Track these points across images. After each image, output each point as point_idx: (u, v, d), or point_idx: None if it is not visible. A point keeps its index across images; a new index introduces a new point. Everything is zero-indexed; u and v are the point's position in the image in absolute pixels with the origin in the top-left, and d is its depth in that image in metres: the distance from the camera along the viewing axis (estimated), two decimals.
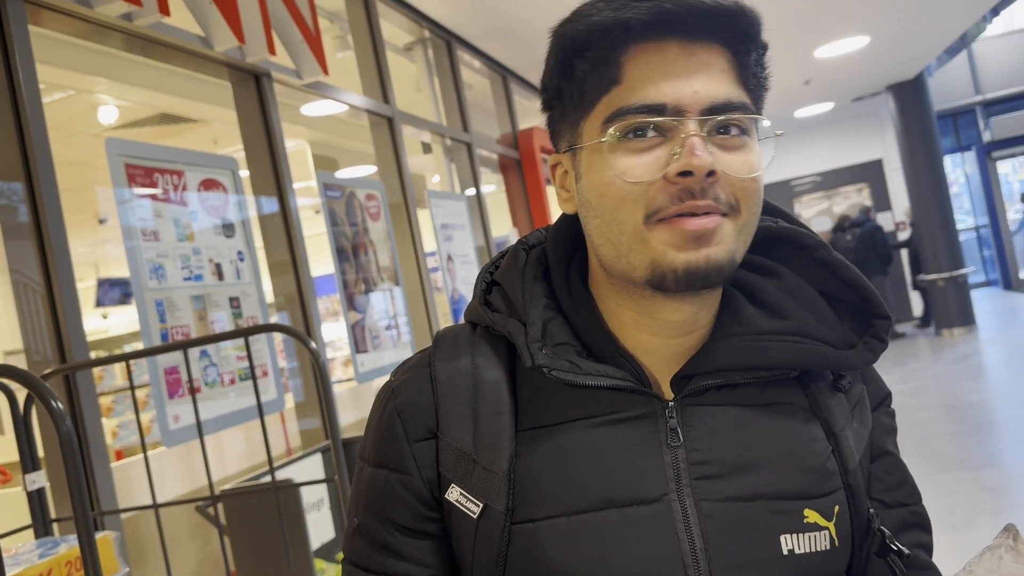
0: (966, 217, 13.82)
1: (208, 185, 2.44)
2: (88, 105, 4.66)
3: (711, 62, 0.70)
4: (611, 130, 0.70)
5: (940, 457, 5.19)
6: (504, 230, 5.66)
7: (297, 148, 5.48)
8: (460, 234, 4.23)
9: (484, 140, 5.21)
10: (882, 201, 11.90)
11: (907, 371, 8.23)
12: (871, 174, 12.16)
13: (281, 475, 2.21)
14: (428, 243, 4.09)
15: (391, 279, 3.48)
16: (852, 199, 12.24)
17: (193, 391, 1.79)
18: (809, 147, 12.17)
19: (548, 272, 0.81)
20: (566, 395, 0.74)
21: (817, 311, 0.78)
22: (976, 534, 3.91)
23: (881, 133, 11.72)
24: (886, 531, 0.77)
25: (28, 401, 1.69)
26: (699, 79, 0.69)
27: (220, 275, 2.40)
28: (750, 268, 0.80)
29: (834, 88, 9.40)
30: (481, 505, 0.73)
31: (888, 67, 8.81)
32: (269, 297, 2.82)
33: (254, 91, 2.98)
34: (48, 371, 1.86)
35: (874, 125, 11.78)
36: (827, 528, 0.74)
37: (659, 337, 0.76)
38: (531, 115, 6.55)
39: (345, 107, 3.68)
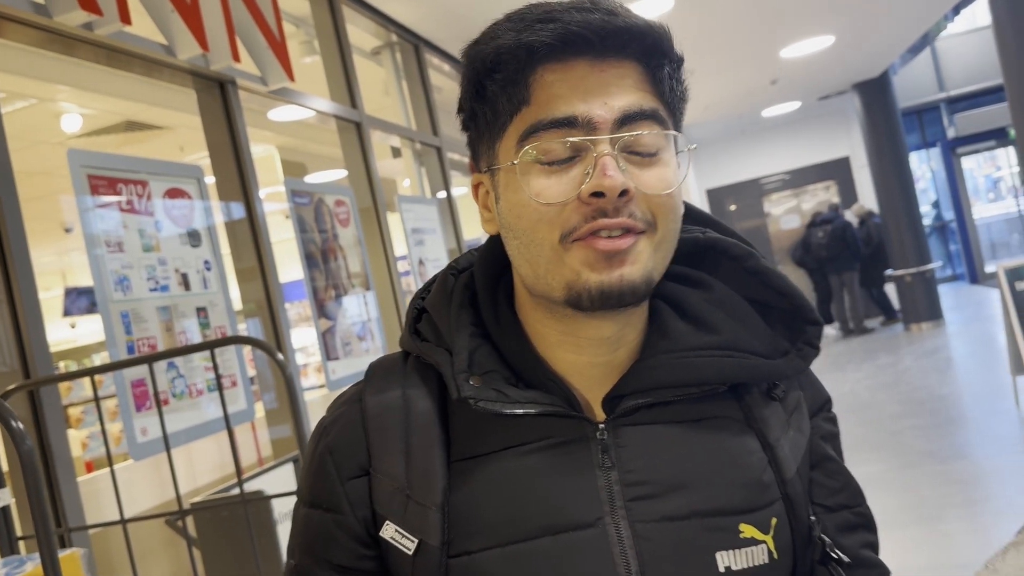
0: (932, 212, 14.03)
1: (173, 194, 2.42)
2: (51, 114, 4.60)
3: (623, 75, 0.70)
4: (525, 150, 0.70)
5: (909, 451, 5.26)
6: (476, 233, 5.65)
7: (265, 154, 5.44)
8: (431, 238, 4.23)
9: (454, 143, 5.21)
10: (849, 198, 12.04)
11: (876, 366, 8.34)
12: (838, 171, 12.31)
13: (252, 486, 2.20)
14: (399, 248, 4.08)
15: (362, 285, 3.47)
16: (820, 196, 12.38)
17: (159, 404, 1.77)
18: (777, 146, 12.30)
19: (476, 297, 0.80)
20: (497, 423, 0.73)
21: (747, 322, 0.77)
22: (945, 527, 3.97)
23: (848, 131, 11.86)
24: (826, 539, 0.77)
25: None
26: (609, 92, 0.69)
27: (187, 285, 2.38)
28: (679, 280, 0.79)
29: (800, 87, 9.50)
30: (416, 541, 0.71)
31: (853, 66, 8.92)
32: (237, 305, 2.80)
33: (219, 98, 2.96)
34: (10, 387, 1.84)
35: (841, 123, 11.92)
36: (764, 542, 0.73)
37: (586, 356, 0.75)
38: None
39: (313, 112, 3.66)
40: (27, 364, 2.01)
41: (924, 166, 14.33)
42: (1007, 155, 13.63)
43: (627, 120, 0.69)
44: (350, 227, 3.44)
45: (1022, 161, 4.82)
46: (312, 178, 6.09)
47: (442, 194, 4.90)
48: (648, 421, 0.74)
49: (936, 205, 13.86)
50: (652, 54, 0.71)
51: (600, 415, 0.75)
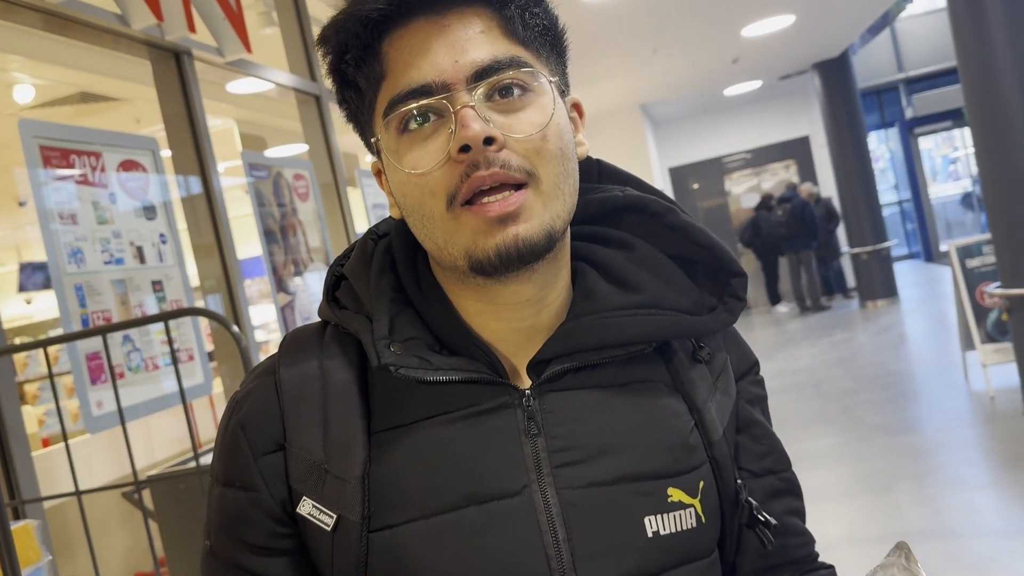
0: (891, 192, 14.26)
1: (127, 166, 2.39)
2: (3, 84, 4.49)
3: (468, 26, 0.68)
4: (388, 124, 0.68)
5: (862, 424, 5.39)
6: None
7: (224, 127, 5.37)
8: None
9: None
10: (809, 177, 12.20)
11: (832, 342, 8.50)
12: (798, 151, 12.45)
13: (209, 460, 2.20)
14: (360, 223, 4.07)
15: (322, 260, 3.46)
16: (780, 175, 12.52)
17: (114, 377, 1.76)
18: (739, 125, 12.40)
19: (396, 263, 0.77)
20: (420, 392, 0.71)
21: (671, 279, 0.76)
22: (894, 498, 4.09)
23: (808, 110, 12.00)
24: (753, 502, 0.76)
25: None
26: (457, 47, 0.67)
27: (142, 258, 2.36)
28: (601, 241, 0.77)
29: (761, 67, 9.57)
30: (335, 516, 0.69)
31: (813, 45, 9.01)
32: (195, 280, 2.78)
33: (174, 70, 2.92)
34: None
35: (801, 103, 12.05)
36: (692, 505, 0.72)
37: (507, 322, 0.73)
38: None
39: (271, 85, 3.62)
40: None
41: (883, 146, 14.54)
42: (963, 135, 13.88)
43: (481, 75, 0.67)
44: (309, 201, 3.42)
45: (976, 142, 4.92)
46: (272, 152, 6.02)
47: None
48: (575, 386, 0.72)
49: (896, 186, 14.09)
50: None
51: (527, 381, 0.73)
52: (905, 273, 12.33)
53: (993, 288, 4.91)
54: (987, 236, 5.19)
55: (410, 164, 0.67)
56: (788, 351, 8.53)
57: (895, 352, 7.51)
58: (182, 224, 2.74)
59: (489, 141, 0.65)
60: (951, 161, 14.74)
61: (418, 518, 0.68)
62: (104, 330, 1.70)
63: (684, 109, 11.82)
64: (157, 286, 2.40)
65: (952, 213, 13.85)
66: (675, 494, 0.72)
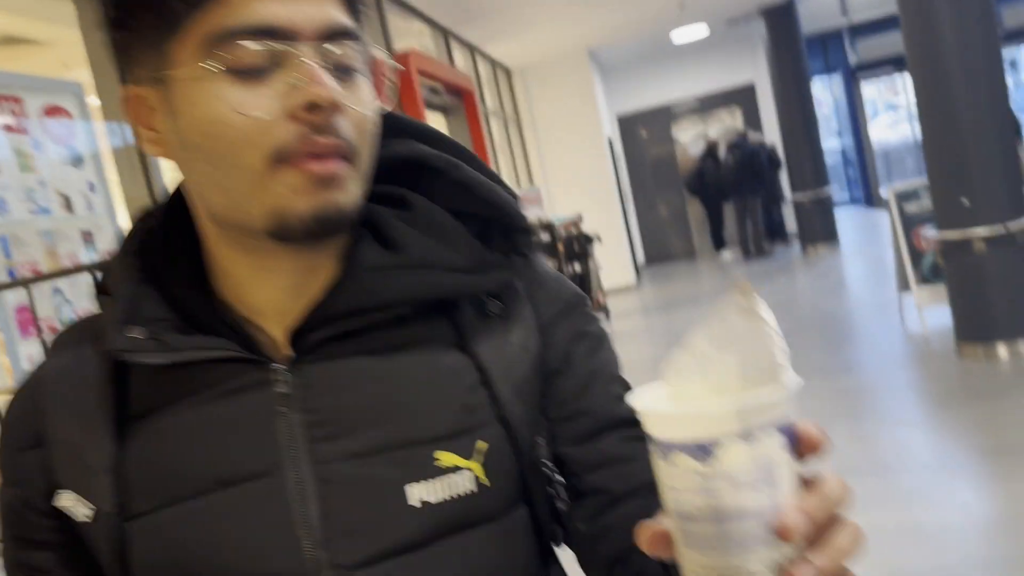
0: (834, 138, 14.45)
1: (52, 112, 2.30)
2: None
3: None
4: (216, 56, 0.61)
5: (800, 366, 5.43)
6: None
7: None
8: None
9: None
10: (753, 124, 12.30)
11: (773, 287, 8.67)
12: (743, 97, 12.52)
13: None
14: None
15: None
16: (726, 122, 12.60)
17: (39, 330, 1.72)
18: (686, 71, 12.41)
19: (153, 239, 0.72)
20: (172, 376, 0.67)
21: (448, 237, 0.71)
22: (832, 435, 4.21)
23: (753, 57, 12.04)
24: (543, 460, 0.73)
25: None
26: (309, 1, 0.63)
27: (70, 208, 2.29)
28: (380, 200, 0.73)
29: (708, 11, 9.55)
30: (94, 508, 0.67)
31: None
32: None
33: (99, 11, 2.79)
34: None
35: (747, 49, 12.08)
36: (468, 468, 0.68)
37: (281, 291, 0.69)
38: (407, 37, 6.40)
39: None
40: None
41: (826, 92, 14.69)
42: (905, 82, 14.08)
43: (331, 35, 0.63)
44: None
45: (916, 88, 4.99)
46: None
47: None
48: (339, 355, 0.68)
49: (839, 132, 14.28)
50: None
51: (290, 354, 0.69)
52: (846, 218, 12.58)
53: (929, 231, 5.04)
54: (924, 181, 5.30)
55: (238, 102, 0.61)
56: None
57: (834, 295, 7.69)
58: (113, 174, 2.65)
59: (337, 107, 0.62)
60: (894, 107, 14.97)
61: (168, 504, 0.66)
62: (29, 281, 1.65)
63: (632, 55, 11.77)
64: (87, 236, 2.33)
65: (894, 159, 14.11)
66: (445, 458, 0.67)
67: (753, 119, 12.41)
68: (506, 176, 8.83)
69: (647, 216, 12.82)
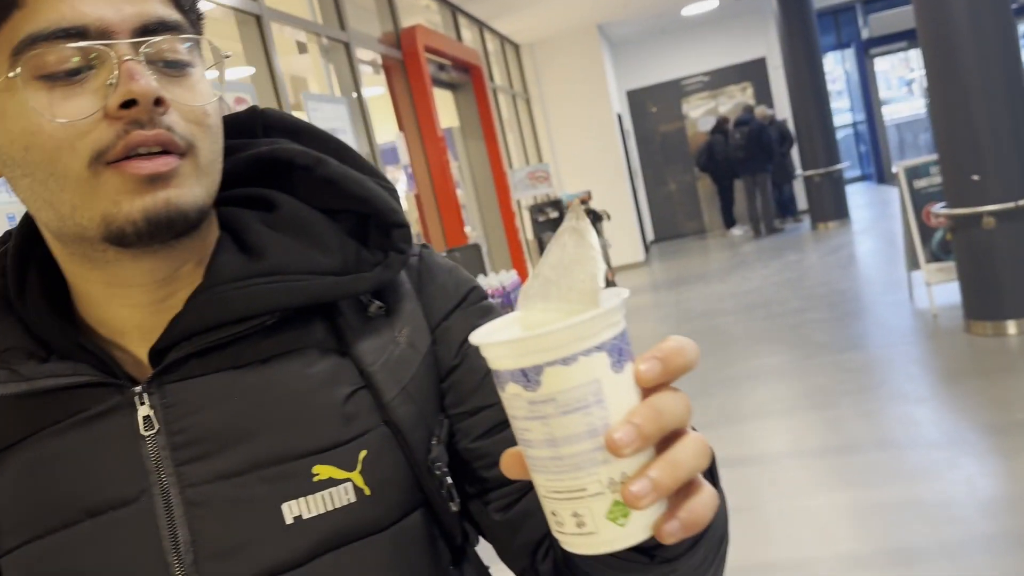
0: (846, 114, 14.32)
1: None
2: None
3: None
4: (23, 64, 0.58)
5: (807, 343, 5.53)
6: (390, 136, 5.56)
7: None
8: (342, 139, 4.14)
9: (364, 39, 5.05)
10: (764, 99, 12.20)
11: (783, 263, 8.64)
12: (755, 72, 12.41)
13: None
14: None
15: None
16: (737, 98, 12.51)
17: None
18: (697, 46, 12.30)
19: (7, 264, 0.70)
20: (31, 405, 0.65)
21: (317, 239, 0.68)
22: (837, 412, 4.23)
23: (765, 32, 11.92)
24: (435, 462, 0.70)
25: None
26: None
27: None
28: (244, 204, 0.71)
29: None
30: None
31: None
32: None
33: None
34: None
35: (759, 23, 11.96)
36: (348, 479, 0.65)
37: (139, 308, 0.66)
38: (415, 12, 6.37)
39: (211, 5, 3.49)
40: None
41: (839, 67, 14.54)
42: (919, 57, 13.94)
43: (147, 31, 0.60)
44: None
45: (926, 63, 4.94)
46: (212, 74, 5.84)
47: (353, 93, 4.78)
48: (202, 372, 0.65)
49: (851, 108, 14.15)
50: None
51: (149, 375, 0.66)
52: (857, 195, 12.51)
53: (938, 208, 5.00)
54: (934, 157, 5.27)
55: (51, 111, 0.58)
56: (741, 273, 8.66)
57: (843, 272, 7.66)
58: None
59: (159, 102, 0.59)
60: (908, 82, 14.81)
61: (32, 539, 0.64)
62: None
63: (642, 29, 11.67)
64: None
65: (907, 134, 13.98)
66: (322, 471, 0.65)
67: (764, 94, 12.31)
68: (514, 153, 8.81)
69: (656, 193, 12.78)
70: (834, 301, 6.55)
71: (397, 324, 0.72)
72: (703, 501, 0.49)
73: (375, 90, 5.74)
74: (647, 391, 0.48)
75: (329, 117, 4.05)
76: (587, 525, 0.47)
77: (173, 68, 0.62)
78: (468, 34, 7.87)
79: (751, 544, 3.07)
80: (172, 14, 0.62)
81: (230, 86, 3.27)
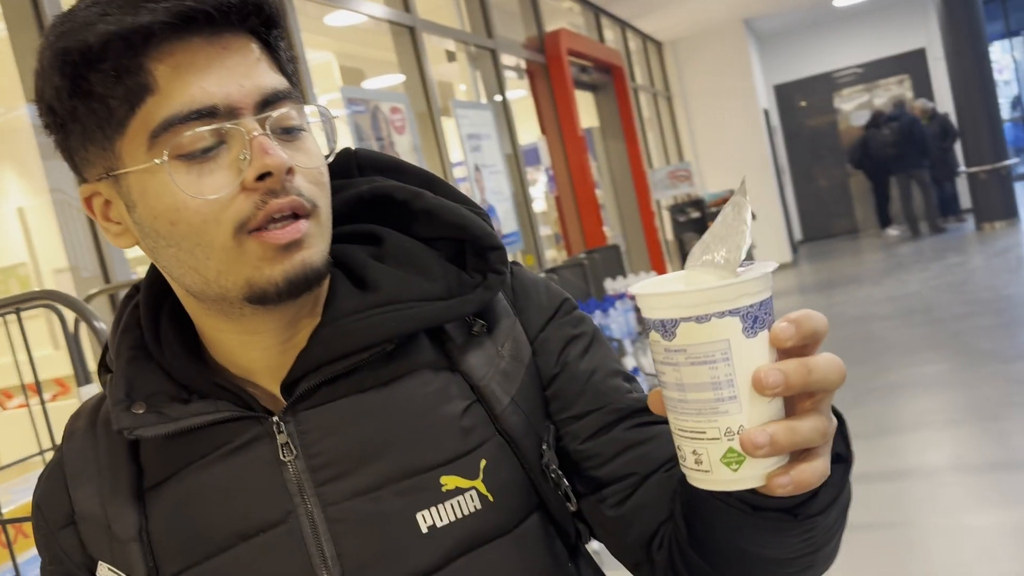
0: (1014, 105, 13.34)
1: None
2: None
3: (245, 52, 0.66)
4: (166, 148, 0.64)
5: (971, 351, 5.21)
6: (532, 137, 5.64)
7: (323, 60, 5.47)
8: (487, 144, 4.25)
9: (509, 45, 5.15)
10: (924, 92, 11.54)
11: (944, 266, 8.16)
12: (913, 64, 11.76)
13: None
14: (455, 154, 4.12)
15: None
16: (893, 91, 11.89)
17: None
18: (850, 38, 11.77)
19: (142, 316, 0.76)
20: (179, 444, 0.72)
21: (421, 267, 0.74)
22: (1004, 425, 3.97)
23: (924, 21, 11.27)
24: (547, 464, 0.75)
25: (77, 320, 1.80)
26: (240, 71, 0.65)
27: None
28: (351, 239, 0.76)
29: None
30: None
31: None
32: None
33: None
34: (93, 292, 1.97)
35: (917, 11, 11.32)
36: (473, 487, 0.71)
37: (268, 350, 0.72)
38: (557, 16, 6.43)
39: (364, 17, 3.67)
40: (106, 270, 2.15)
41: (1007, 56, 13.56)
42: None
43: (268, 102, 0.66)
44: (406, 134, 3.48)
45: None
46: (370, 83, 6.10)
47: (498, 98, 4.89)
48: (330, 398, 0.71)
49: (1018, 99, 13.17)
50: (270, 26, 0.69)
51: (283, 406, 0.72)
52: None
53: None
54: None
55: (195, 189, 0.64)
56: (897, 276, 8.25)
57: (1012, 276, 7.16)
58: None
59: (289, 171, 0.65)
60: None
61: (192, 565, 0.70)
62: None
63: (791, 22, 11.29)
64: None
65: None
66: (449, 481, 0.71)
67: (923, 87, 11.64)
68: (655, 152, 8.73)
69: (805, 190, 12.33)
70: (1001, 307, 6.13)
71: (499, 339, 0.77)
72: (815, 469, 0.54)
73: (517, 93, 5.84)
74: (785, 354, 0.53)
75: (475, 123, 4.16)
76: (703, 464, 0.54)
77: (289, 134, 0.67)
78: (610, 34, 7.87)
79: (907, 560, 2.94)
80: (282, 82, 0.68)
81: (385, 96, 3.43)
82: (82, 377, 1.83)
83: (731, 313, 0.51)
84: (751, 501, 0.59)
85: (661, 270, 6.89)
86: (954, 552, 2.99)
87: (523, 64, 5.53)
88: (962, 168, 10.08)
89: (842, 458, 0.61)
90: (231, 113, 0.64)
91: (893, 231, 11.10)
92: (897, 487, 3.54)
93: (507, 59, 5.16)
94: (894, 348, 5.64)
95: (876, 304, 7.15)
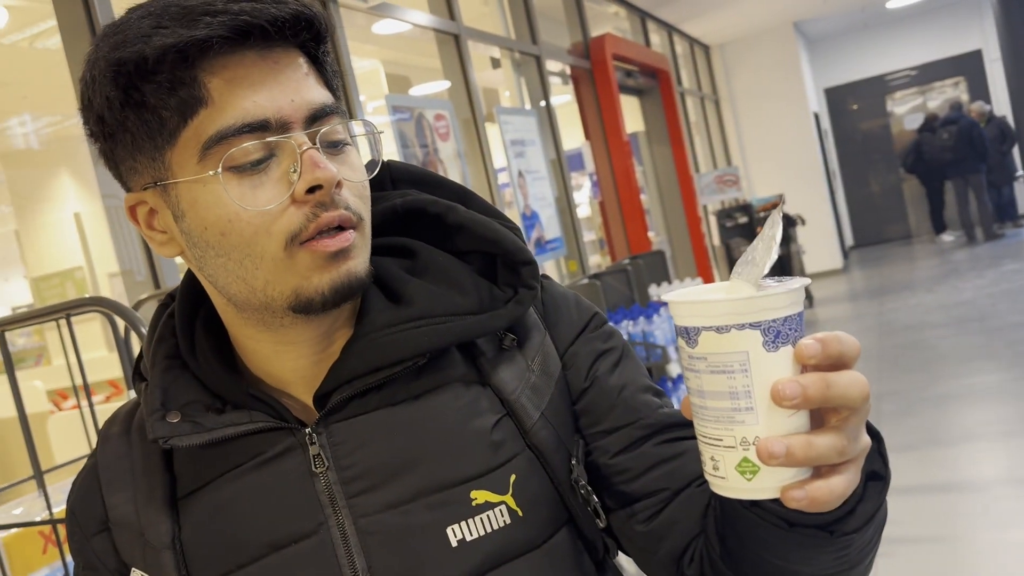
0: None
1: None
2: None
3: (294, 66, 0.68)
4: (218, 160, 0.65)
5: None
6: (576, 143, 5.64)
7: (371, 68, 5.53)
8: (531, 150, 4.26)
9: (554, 51, 5.15)
10: (980, 95, 11.25)
11: (1000, 273, 7.95)
12: (969, 66, 11.48)
13: None
14: (499, 160, 4.13)
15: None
16: (948, 94, 11.63)
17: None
18: (903, 40, 11.54)
19: (176, 326, 0.77)
20: (213, 453, 0.72)
21: (454, 281, 0.75)
22: None
23: (980, 22, 11.00)
24: (577, 480, 0.75)
25: (127, 326, 1.85)
26: (291, 86, 0.67)
27: None
28: (385, 252, 0.77)
29: None
30: None
31: None
32: None
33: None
34: (143, 297, 2.02)
35: (973, 14, 11.05)
36: (503, 502, 0.71)
37: (302, 359, 0.73)
38: (603, 21, 6.41)
39: (409, 26, 3.70)
40: (156, 276, 2.20)
41: None
42: None
43: (317, 117, 0.68)
44: (450, 141, 3.51)
45: None
46: (416, 90, 6.15)
47: (542, 103, 4.89)
48: (362, 411, 0.72)
49: None
50: (319, 41, 0.70)
51: (316, 417, 0.73)
52: None
53: None
54: None
55: (248, 200, 0.65)
56: (951, 283, 8.06)
57: None
58: None
59: (338, 184, 0.66)
60: None
61: (225, 574, 0.71)
62: None
63: (842, 25, 11.11)
64: None
65: None
66: (479, 495, 0.71)
67: (979, 89, 11.36)
68: (701, 157, 8.65)
69: (856, 195, 12.11)
70: None
71: (529, 353, 0.77)
72: (832, 487, 0.53)
73: (562, 98, 5.84)
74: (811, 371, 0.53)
75: (519, 129, 4.17)
76: (719, 470, 0.55)
77: (336, 148, 0.69)
78: (656, 38, 7.82)
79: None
80: (329, 97, 0.70)
81: (429, 103, 3.46)
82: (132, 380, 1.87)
83: (751, 326, 0.52)
84: (787, 516, 0.59)
85: (707, 276, 6.82)
86: (1004, 569, 2.91)
87: (568, 70, 5.53)
88: (1020, 172, 9.81)
89: (879, 476, 0.60)
90: (282, 127, 0.65)
91: (948, 237, 10.84)
92: (947, 500, 3.46)
93: (552, 65, 5.16)
94: (947, 357, 5.51)
95: (929, 312, 6.99)
